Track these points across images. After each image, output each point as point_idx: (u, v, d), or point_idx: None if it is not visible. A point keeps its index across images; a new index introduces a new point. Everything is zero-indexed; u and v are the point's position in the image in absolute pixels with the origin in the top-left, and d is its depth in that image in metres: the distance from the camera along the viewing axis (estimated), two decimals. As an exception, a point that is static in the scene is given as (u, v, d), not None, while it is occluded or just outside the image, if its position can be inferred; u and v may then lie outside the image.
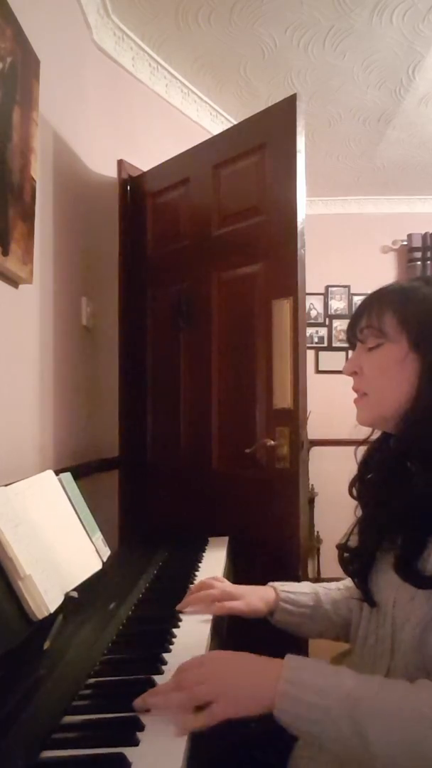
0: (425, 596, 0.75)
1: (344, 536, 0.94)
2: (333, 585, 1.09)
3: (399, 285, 0.89)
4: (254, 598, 1.03)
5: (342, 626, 1.02)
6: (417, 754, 0.61)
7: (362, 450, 0.95)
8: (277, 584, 1.07)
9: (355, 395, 0.91)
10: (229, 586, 1.09)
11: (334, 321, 4.07)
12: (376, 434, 0.94)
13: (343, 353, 3.99)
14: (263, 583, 1.08)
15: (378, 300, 0.87)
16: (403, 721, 0.62)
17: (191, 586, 1.14)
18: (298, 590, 1.06)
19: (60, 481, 1.20)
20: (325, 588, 1.08)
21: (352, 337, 0.91)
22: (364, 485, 0.93)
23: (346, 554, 0.93)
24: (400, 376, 0.82)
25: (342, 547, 0.94)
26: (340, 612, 1.03)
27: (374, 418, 0.88)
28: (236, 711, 0.67)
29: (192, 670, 0.72)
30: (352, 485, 0.94)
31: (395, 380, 0.83)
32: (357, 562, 0.90)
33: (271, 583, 1.08)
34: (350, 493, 0.94)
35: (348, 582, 1.06)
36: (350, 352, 0.95)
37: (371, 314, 0.86)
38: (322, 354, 4.04)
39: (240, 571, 1.53)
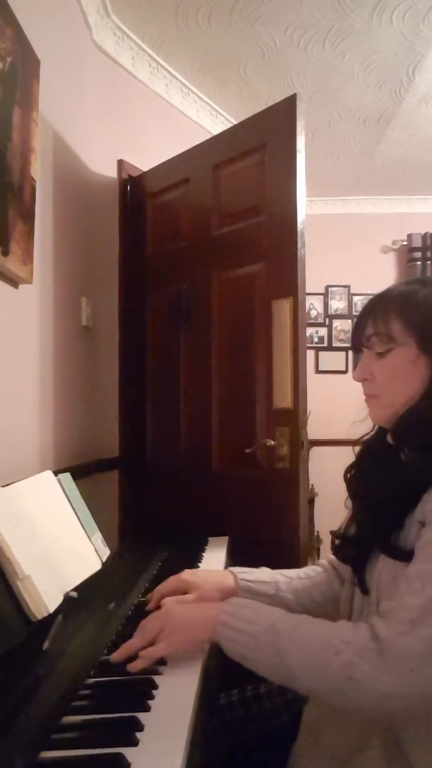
0: (405, 571, 0.78)
1: (341, 525, 0.97)
2: (294, 573, 1.09)
3: (398, 290, 0.92)
4: (209, 587, 1.02)
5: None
6: (324, 675, 0.73)
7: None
8: (237, 570, 1.06)
9: (360, 393, 0.94)
10: (186, 573, 1.07)
11: (334, 321, 4.06)
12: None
13: (343, 353, 3.99)
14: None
15: (381, 306, 0.90)
16: (314, 648, 0.75)
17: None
18: (258, 579, 1.05)
19: (59, 481, 1.20)
20: (286, 576, 1.07)
21: (359, 344, 0.94)
22: (358, 473, 0.96)
23: (339, 541, 0.96)
24: (413, 377, 0.87)
25: (337, 535, 0.97)
26: (302, 602, 1.03)
27: (388, 417, 0.91)
28: (187, 638, 0.84)
29: (152, 621, 0.86)
30: (347, 471, 0.98)
31: (408, 381, 0.87)
32: (354, 549, 0.92)
33: (231, 569, 1.07)
34: (345, 478, 0.98)
35: (309, 570, 1.09)
36: (350, 353, 0.97)
37: (376, 321, 0.90)
38: (322, 354, 4.03)
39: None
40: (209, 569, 1.09)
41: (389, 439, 0.90)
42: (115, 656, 0.83)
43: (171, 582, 1.06)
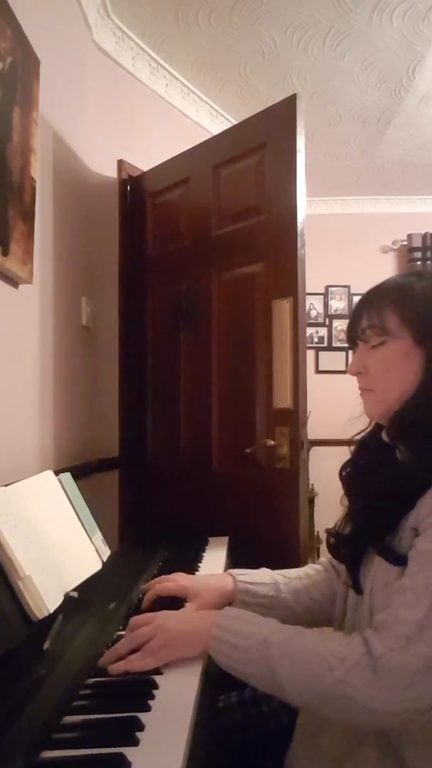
0: (399, 582, 0.76)
1: (336, 523, 0.96)
2: (293, 573, 1.08)
3: (394, 282, 0.91)
4: (209, 594, 1.01)
5: (303, 615, 1.01)
6: (317, 691, 0.72)
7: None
8: (236, 572, 1.06)
9: (356, 388, 0.93)
10: (184, 579, 1.07)
11: (334, 321, 4.07)
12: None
13: (343, 353, 3.99)
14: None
15: (376, 298, 0.88)
16: (306, 663, 0.74)
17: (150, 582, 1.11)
18: (257, 580, 1.05)
19: (60, 481, 1.20)
20: (286, 577, 1.07)
21: (354, 337, 0.93)
22: (354, 471, 0.95)
23: (334, 540, 0.95)
24: (407, 371, 0.85)
25: (332, 533, 0.95)
26: (301, 601, 1.03)
27: (382, 411, 0.89)
28: (178, 653, 0.82)
29: (142, 627, 0.84)
30: (343, 469, 0.96)
31: (401, 375, 0.85)
32: (349, 549, 0.91)
33: (230, 571, 1.07)
34: (340, 476, 0.96)
35: (308, 569, 1.08)
36: (350, 353, 0.96)
37: (371, 313, 0.88)
38: (322, 354, 4.04)
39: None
40: (208, 574, 1.07)
41: (384, 436, 0.89)
42: (104, 660, 0.82)
43: (170, 586, 1.04)
